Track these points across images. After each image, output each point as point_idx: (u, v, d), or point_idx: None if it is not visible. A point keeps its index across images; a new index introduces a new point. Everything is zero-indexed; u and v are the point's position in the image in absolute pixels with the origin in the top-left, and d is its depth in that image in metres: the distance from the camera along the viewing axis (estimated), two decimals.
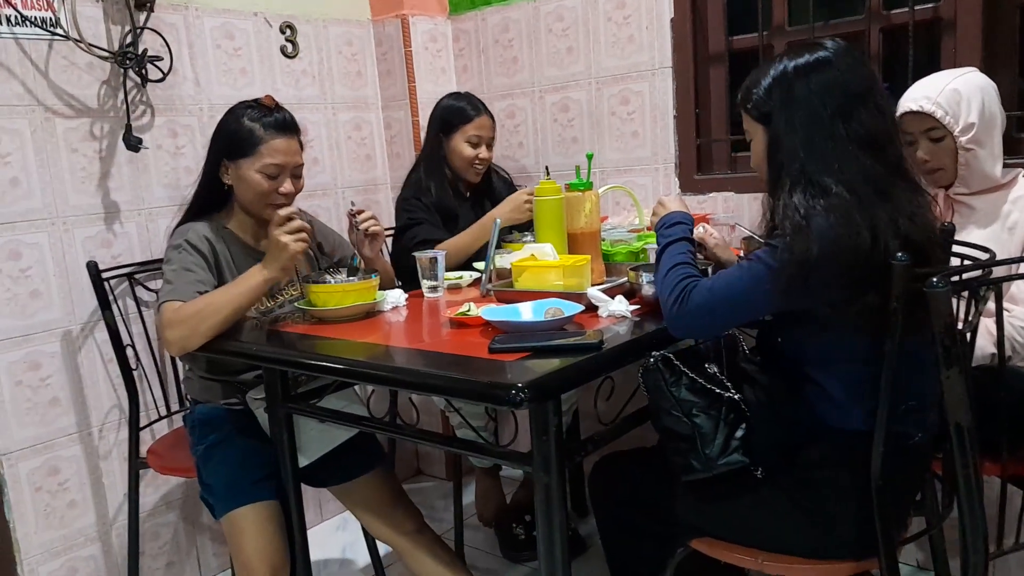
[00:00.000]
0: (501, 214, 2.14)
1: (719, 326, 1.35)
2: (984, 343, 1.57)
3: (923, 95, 1.69)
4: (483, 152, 2.35)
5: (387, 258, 2.48)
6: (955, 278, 1.20)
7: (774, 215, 1.34)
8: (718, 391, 1.35)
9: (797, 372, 1.37)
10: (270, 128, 1.78)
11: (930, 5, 2.04)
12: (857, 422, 1.31)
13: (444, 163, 2.35)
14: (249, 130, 1.77)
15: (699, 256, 1.70)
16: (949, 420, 1.09)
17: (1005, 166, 1.74)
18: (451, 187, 2.37)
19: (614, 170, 2.59)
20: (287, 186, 1.80)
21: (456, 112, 2.34)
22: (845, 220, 1.22)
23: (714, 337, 1.39)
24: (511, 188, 2.51)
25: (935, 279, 1.05)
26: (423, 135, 2.79)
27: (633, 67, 2.49)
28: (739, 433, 1.34)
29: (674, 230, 1.48)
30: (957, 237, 1.63)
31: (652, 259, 1.80)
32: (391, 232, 2.52)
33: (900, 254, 1.18)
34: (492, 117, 2.40)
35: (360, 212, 1.88)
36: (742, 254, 1.75)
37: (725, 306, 1.30)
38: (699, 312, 1.30)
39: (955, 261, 1.57)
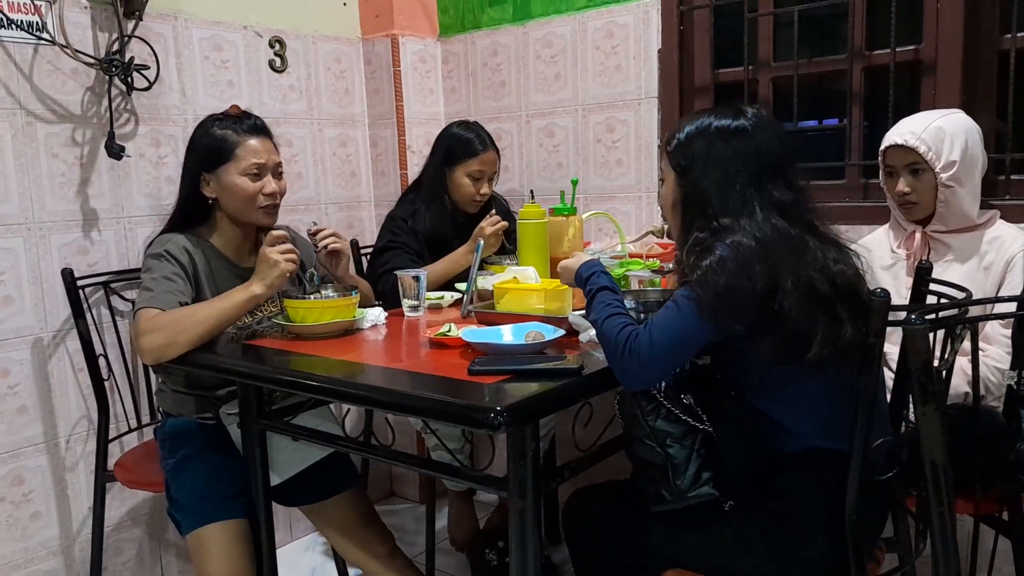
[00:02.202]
0: (470, 250, 2.12)
1: (667, 369, 1.34)
2: (957, 381, 1.59)
3: (908, 130, 1.73)
4: (484, 188, 2.33)
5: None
6: (931, 315, 1.21)
7: (685, 259, 1.36)
8: (692, 423, 1.35)
9: (745, 404, 1.39)
10: (243, 132, 1.79)
11: (911, 47, 2.08)
12: (808, 441, 1.33)
13: (445, 192, 2.33)
14: (222, 137, 1.77)
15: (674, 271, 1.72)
16: (924, 458, 1.10)
17: (983, 207, 1.78)
18: (449, 216, 2.34)
19: (598, 196, 2.60)
20: (271, 185, 1.80)
21: (463, 144, 2.31)
22: (745, 263, 1.25)
23: (665, 379, 1.39)
24: (508, 216, 2.50)
25: (913, 316, 1.06)
26: (409, 154, 2.81)
27: (619, 96, 2.52)
28: (710, 465, 1.35)
29: (593, 281, 1.48)
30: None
31: (634, 286, 1.81)
32: (369, 249, 2.51)
33: (878, 289, 1.19)
34: (497, 151, 2.38)
35: (320, 231, 1.85)
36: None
37: (667, 348, 1.30)
38: (646, 360, 1.29)
39: (931, 299, 1.59)
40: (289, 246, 1.69)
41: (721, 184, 1.35)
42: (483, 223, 2.16)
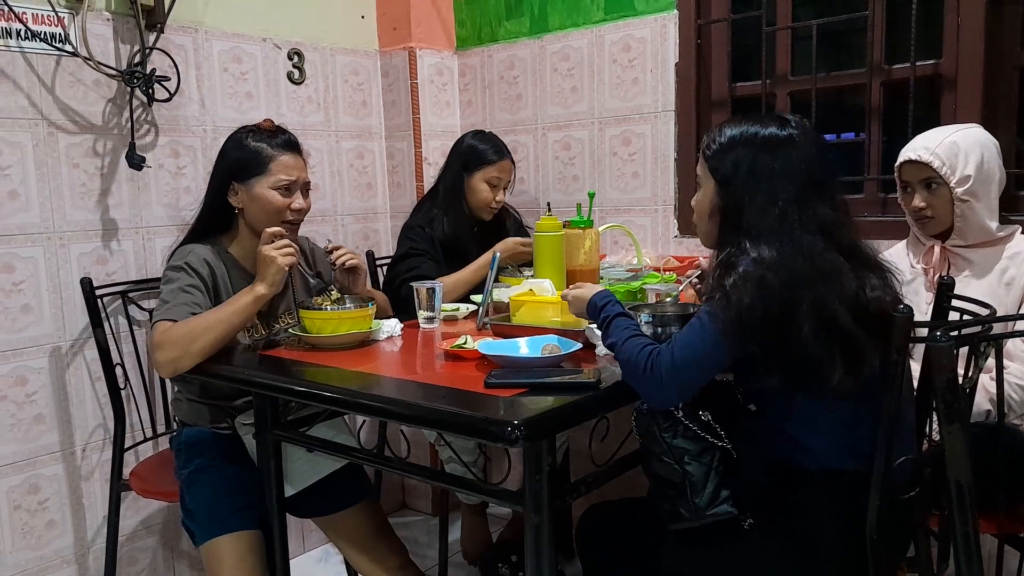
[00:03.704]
0: (489, 258, 2.13)
1: (690, 386, 1.32)
2: (979, 399, 1.57)
3: (922, 145, 1.72)
4: (500, 195, 2.37)
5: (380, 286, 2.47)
6: (955, 332, 1.19)
7: (711, 273, 1.35)
8: (711, 439, 1.34)
9: (764, 420, 1.37)
10: (278, 147, 1.81)
11: (931, 62, 2.07)
12: (828, 459, 1.31)
13: (462, 198, 2.36)
14: (256, 150, 1.79)
15: (699, 286, 1.70)
16: (949, 477, 1.08)
17: (1004, 222, 1.76)
18: (467, 222, 2.37)
19: (613, 209, 2.60)
20: (299, 202, 1.82)
21: (480, 153, 2.35)
22: (765, 285, 1.23)
23: (688, 397, 1.37)
24: (520, 228, 2.52)
25: (938, 333, 1.05)
26: (425, 166, 2.82)
27: (636, 109, 2.51)
28: (729, 483, 1.33)
29: (605, 312, 1.46)
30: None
31: (651, 299, 1.80)
32: (387, 260, 2.52)
33: (901, 306, 1.18)
34: (513, 161, 2.42)
35: (335, 249, 1.86)
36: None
37: (691, 367, 1.28)
38: (670, 378, 1.28)
39: (953, 315, 1.57)
40: (286, 241, 1.70)
41: (763, 200, 1.30)
42: (514, 239, 2.22)
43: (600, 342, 1.56)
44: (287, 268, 1.68)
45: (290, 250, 1.69)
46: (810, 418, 1.32)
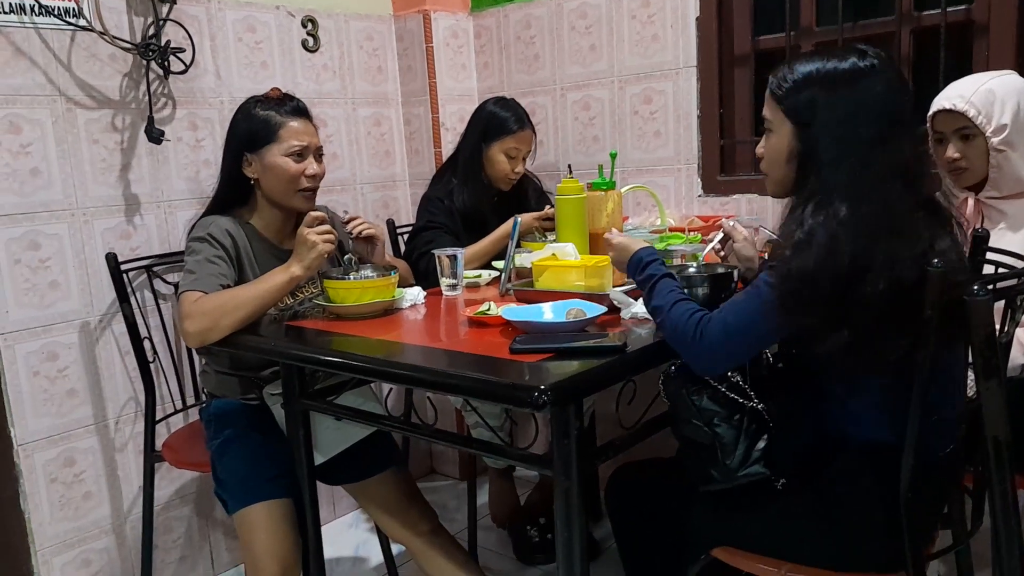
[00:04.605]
0: (510, 226, 2.11)
1: (741, 355, 1.29)
2: (1014, 353, 1.54)
3: (957, 94, 1.66)
4: (518, 166, 2.34)
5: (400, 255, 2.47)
6: (991, 286, 1.16)
7: (787, 221, 1.28)
8: (740, 400, 1.32)
9: (817, 384, 1.34)
10: (286, 114, 1.80)
11: (963, 7, 2.00)
12: (881, 435, 1.28)
13: (481, 168, 2.33)
14: (265, 119, 1.78)
15: (721, 252, 1.68)
16: (987, 433, 1.06)
17: None
18: (486, 192, 2.34)
19: (635, 170, 2.56)
20: (313, 167, 1.81)
21: (500, 122, 2.30)
22: (839, 247, 1.16)
23: (738, 365, 1.34)
24: (542, 195, 2.49)
25: (976, 287, 1.02)
26: (443, 132, 2.79)
27: (657, 66, 2.46)
28: (760, 444, 1.31)
29: (648, 271, 1.41)
30: None
31: (676, 262, 1.78)
32: (408, 229, 2.51)
33: (936, 261, 1.13)
34: (534, 130, 2.38)
35: (352, 219, 1.85)
36: (766, 256, 1.72)
37: (741, 334, 1.25)
38: (720, 346, 1.25)
39: (988, 268, 1.53)
40: (327, 227, 1.69)
41: (846, 141, 1.20)
42: (531, 215, 2.19)
43: (625, 306, 1.55)
44: (326, 255, 1.68)
45: (331, 236, 1.68)
46: (865, 387, 1.28)
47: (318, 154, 1.84)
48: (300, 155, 1.79)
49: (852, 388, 1.30)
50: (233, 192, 1.84)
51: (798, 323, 1.21)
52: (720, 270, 1.61)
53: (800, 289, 1.17)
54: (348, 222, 1.86)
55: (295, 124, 1.79)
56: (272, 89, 1.85)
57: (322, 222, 1.70)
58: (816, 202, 1.22)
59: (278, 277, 1.67)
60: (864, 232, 1.17)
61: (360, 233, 1.84)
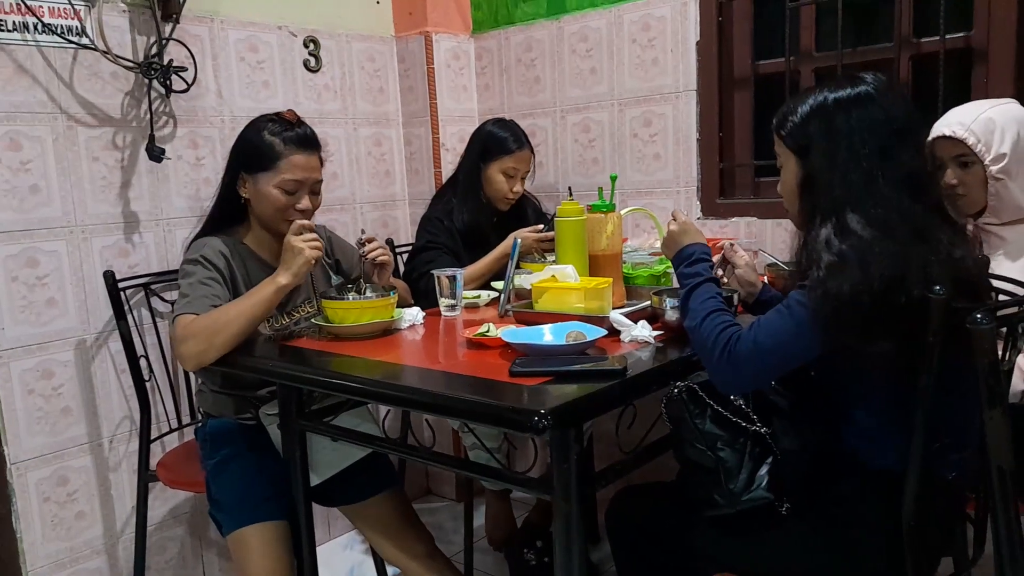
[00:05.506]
0: (509, 245, 2.11)
1: (769, 376, 1.29)
2: (1015, 380, 1.53)
3: (957, 121, 1.67)
4: (517, 186, 2.35)
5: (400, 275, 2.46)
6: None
7: (804, 250, 1.29)
8: (743, 424, 1.31)
9: (830, 406, 1.33)
10: (291, 143, 1.76)
11: (961, 34, 2.01)
12: (890, 460, 1.27)
13: (480, 188, 2.34)
14: (269, 144, 1.76)
15: (722, 276, 1.67)
16: (991, 462, 1.05)
17: None
18: (485, 211, 2.35)
19: (635, 192, 2.56)
20: (304, 202, 1.78)
21: (499, 142, 2.32)
22: (869, 262, 1.17)
23: (764, 386, 1.33)
24: (541, 216, 2.50)
25: (979, 315, 1.02)
26: (443, 152, 2.80)
27: (656, 89, 2.47)
28: (764, 468, 1.30)
29: (697, 268, 1.41)
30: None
31: (675, 283, 1.77)
32: (407, 248, 2.51)
33: (937, 287, 1.14)
34: (532, 150, 2.39)
35: (369, 241, 1.84)
36: (765, 281, 1.71)
37: (773, 355, 1.23)
38: (747, 364, 1.24)
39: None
40: (313, 235, 1.68)
41: (846, 160, 1.23)
42: (527, 231, 2.17)
43: (624, 329, 1.55)
44: (313, 261, 1.67)
45: (317, 244, 1.67)
46: (886, 414, 1.27)
47: (315, 187, 1.81)
48: (293, 190, 1.76)
49: (864, 410, 1.30)
50: (229, 209, 1.84)
51: (838, 342, 1.21)
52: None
53: (840, 308, 1.17)
54: (365, 243, 1.83)
55: (297, 158, 1.76)
56: (288, 111, 1.82)
57: (309, 230, 1.68)
58: (833, 224, 1.23)
59: (266, 288, 1.66)
60: (891, 242, 1.18)
61: (375, 259, 1.83)
